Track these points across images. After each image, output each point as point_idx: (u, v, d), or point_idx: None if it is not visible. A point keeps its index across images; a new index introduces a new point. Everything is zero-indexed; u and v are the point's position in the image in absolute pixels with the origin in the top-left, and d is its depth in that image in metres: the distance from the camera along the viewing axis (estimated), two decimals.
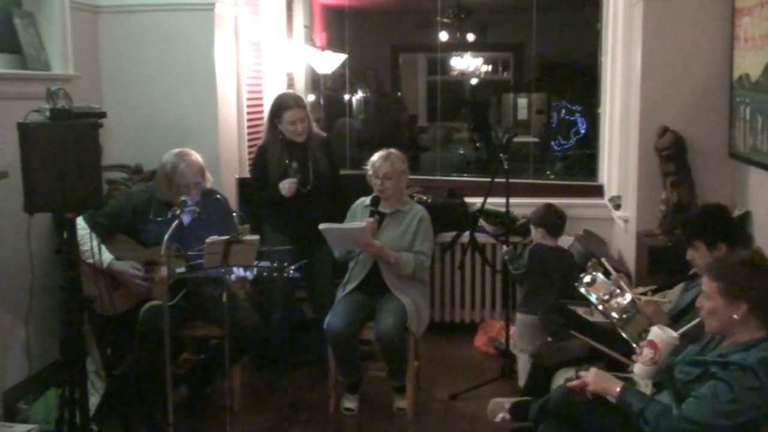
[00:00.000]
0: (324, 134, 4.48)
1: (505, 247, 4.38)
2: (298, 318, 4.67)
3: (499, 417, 3.46)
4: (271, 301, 4.39)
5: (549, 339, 3.76)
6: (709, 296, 2.51)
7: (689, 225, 3.20)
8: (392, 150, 4.04)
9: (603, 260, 3.51)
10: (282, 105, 4.19)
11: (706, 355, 2.59)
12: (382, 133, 7.59)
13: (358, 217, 3.99)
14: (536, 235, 4.20)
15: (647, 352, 2.66)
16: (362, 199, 4.06)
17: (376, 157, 4.00)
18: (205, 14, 4.68)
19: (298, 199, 4.18)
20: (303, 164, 4.21)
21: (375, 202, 3.97)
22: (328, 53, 6.21)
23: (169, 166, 3.77)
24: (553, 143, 7.69)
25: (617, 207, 4.96)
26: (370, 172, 3.99)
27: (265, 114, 4.59)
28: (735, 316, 2.46)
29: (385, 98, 8.15)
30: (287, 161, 4.17)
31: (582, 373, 2.76)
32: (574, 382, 2.76)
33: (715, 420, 2.38)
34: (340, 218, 4.04)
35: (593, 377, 2.69)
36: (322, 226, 3.78)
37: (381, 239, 3.89)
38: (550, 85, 7.71)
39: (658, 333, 2.68)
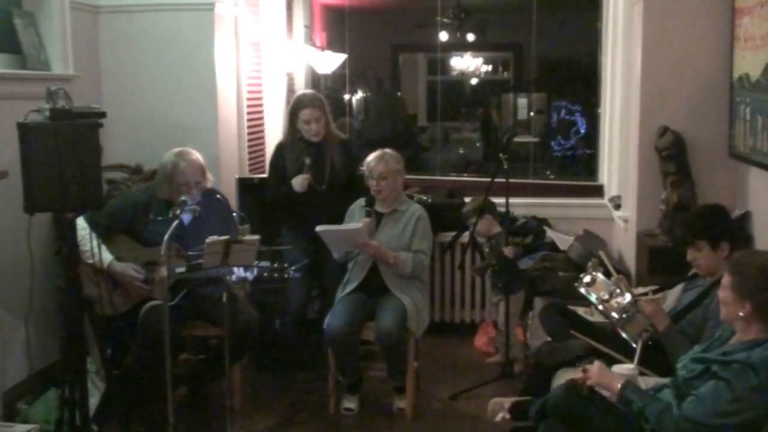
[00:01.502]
0: (343, 136, 4.49)
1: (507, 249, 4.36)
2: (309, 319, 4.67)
3: (499, 417, 3.46)
4: (283, 302, 4.39)
5: (549, 339, 3.76)
6: (723, 287, 2.57)
7: (692, 226, 3.21)
8: (387, 150, 4.04)
9: (601, 253, 3.52)
10: (299, 103, 4.22)
11: (709, 353, 2.61)
12: (382, 133, 7.59)
13: (356, 218, 4.00)
14: (483, 224, 4.35)
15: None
16: (360, 200, 4.07)
17: (371, 157, 4.01)
18: (205, 14, 4.68)
19: (312, 198, 4.17)
20: (319, 164, 4.21)
21: (370, 202, 3.98)
22: (328, 53, 6.22)
23: (170, 166, 3.77)
24: (553, 143, 7.69)
25: (617, 207, 4.96)
26: (366, 173, 4.00)
27: (285, 113, 4.60)
28: (741, 313, 2.49)
29: (385, 98, 8.15)
30: (305, 158, 4.18)
31: (587, 367, 2.78)
32: (577, 375, 2.77)
33: (714, 420, 2.39)
34: (335, 219, 4.04)
35: (596, 371, 2.73)
36: (319, 228, 3.78)
37: (379, 239, 3.90)
38: (550, 85, 7.71)
39: (617, 372, 2.82)
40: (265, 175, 4.74)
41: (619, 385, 2.64)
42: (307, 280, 4.24)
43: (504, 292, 4.30)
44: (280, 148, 4.35)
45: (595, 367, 2.74)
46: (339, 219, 4.01)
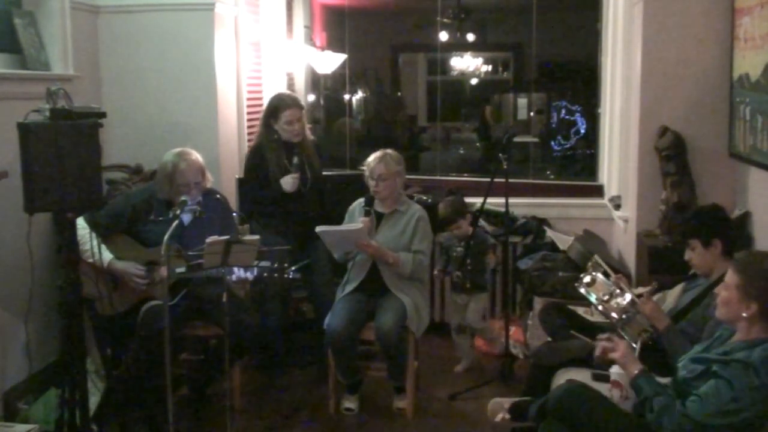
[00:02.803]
0: (313, 137, 4.53)
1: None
2: (297, 319, 4.67)
3: (499, 417, 3.46)
4: (267, 302, 4.38)
5: (549, 339, 3.76)
6: (727, 286, 2.55)
7: (684, 225, 3.25)
8: (388, 151, 4.04)
9: (596, 257, 3.51)
10: (280, 104, 4.23)
11: (710, 352, 2.60)
12: (382, 133, 7.60)
13: (356, 217, 4.00)
14: (464, 224, 4.43)
15: (616, 393, 2.79)
16: (360, 199, 4.07)
17: (371, 158, 4.01)
18: (205, 14, 4.68)
19: (297, 198, 4.19)
20: (301, 163, 4.23)
21: (369, 201, 3.98)
22: (328, 53, 6.22)
23: (170, 166, 3.77)
24: (553, 143, 7.69)
25: (617, 207, 4.96)
26: (366, 173, 4.00)
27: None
28: (744, 313, 2.48)
29: (385, 98, 8.14)
30: (286, 159, 4.19)
31: (612, 341, 2.78)
32: (604, 343, 2.75)
33: (715, 419, 2.40)
34: (329, 219, 4.04)
35: (623, 348, 2.73)
36: (319, 229, 3.78)
37: (379, 239, 3.90)
38: (550, 85, 7.71)
39: (617, 372, 2.82)
40: None
41: (635, 371, 2.64)
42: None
43: (504, 294, 4.31)
44: (258, 151, 4.29)
45: (622, 345, 2.73)
46: (321, 218, 3.98)
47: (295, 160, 4.18)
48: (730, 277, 2.54)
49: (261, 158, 4.27)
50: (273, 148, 4.23)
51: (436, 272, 4.55)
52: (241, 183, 4.85)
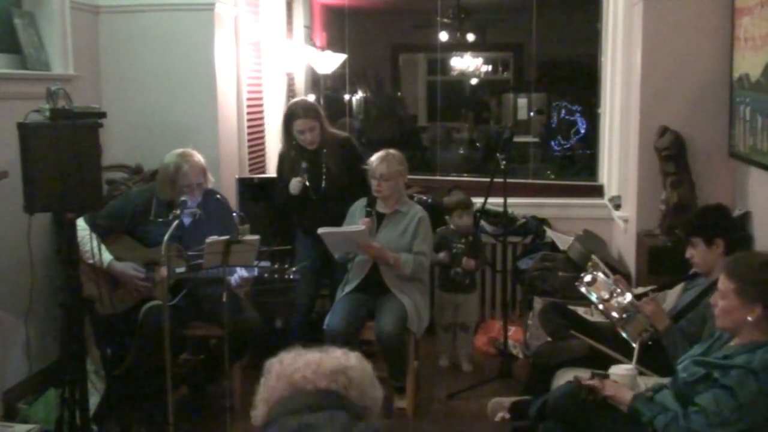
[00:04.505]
0: (344, 134, 4.50)
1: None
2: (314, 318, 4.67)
3: (499, 416, 3.46)
4: (288, 302, 4.39)
5: (549, 339, 3.76)
6: (724, 295, 2.48)
7: (688, 223, 3.25)
8: (391, 151, 4.04)
9: (594, 258, 3.52)
10: (292, 114, 4.22)
11: (710, 355, 2.59)
12: (382, 133, 7.58)
13: (357, 218, 4.00)
14: (466, 217, 4.48)
15: None
16: (361, 199, 4.08)
17: (374, 157, 4.02)
18: (205, 14, 4.68)
19: (311, 202, 4.18)
20: (316, 169, 4.22)
21: (370, 202, 3.99)
22: (328, 53, 6.21)
23: (172, 167, 3.76)
24: (553, 143, 7.68)
25: (617, 207, 4.96)
26: (369, 172, 4.00)
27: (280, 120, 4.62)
28: (749, 318, 2.43)
29: (385, 98, 8.13)
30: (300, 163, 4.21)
31: (598, 380, 2.78)
32: (591, 382, 2.75)
33: (720, 430, 2.37)
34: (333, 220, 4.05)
35: (609, 384, 2.72)
36: (320, 230, 3.79)
37: (380, 240, 3.90)
38: (550, 85, 7.71)
39: (616, 372, 2.83)
40: (264, 176, 4.76)
41: (629, 398, 2.63)
42: (314, 279, 4.26)
43: (504, 294, 4.32)
44: (280, 157, 4.39)
45: (608, 382, 2.73)
46: (342, 222, 4.02)
47: (303, 164, 4.17)
48: (726, 285, 2.47)
49: (281, 163, 4.34)
50: (291, 154, 4.25)
51: (442, 255, 4.46)
52: (245, 182, 4.88)
